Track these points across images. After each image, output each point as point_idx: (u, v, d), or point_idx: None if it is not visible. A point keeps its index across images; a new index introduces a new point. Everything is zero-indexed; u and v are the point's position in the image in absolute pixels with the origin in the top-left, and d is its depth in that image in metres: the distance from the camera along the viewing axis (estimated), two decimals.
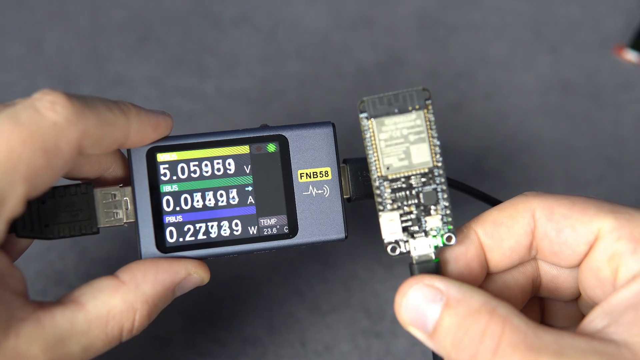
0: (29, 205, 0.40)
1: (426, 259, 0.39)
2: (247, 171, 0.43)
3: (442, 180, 0.39)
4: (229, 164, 0.42)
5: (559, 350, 0.34)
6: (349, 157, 0.44)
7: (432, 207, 0.39)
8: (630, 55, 0.59)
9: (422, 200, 0.39)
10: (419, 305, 0.37)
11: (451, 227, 0.39)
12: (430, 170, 0.39)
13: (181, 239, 0.42)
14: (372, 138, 0.39)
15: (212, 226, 0.42)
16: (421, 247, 0.39)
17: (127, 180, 0.43)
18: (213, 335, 0.51)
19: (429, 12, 0.61)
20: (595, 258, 0.38)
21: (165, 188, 0.42)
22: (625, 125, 0.58)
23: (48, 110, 0.36)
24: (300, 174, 0.43)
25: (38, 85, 0.58)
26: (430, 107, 0.39)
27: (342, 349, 0.51)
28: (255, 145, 0.43)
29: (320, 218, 0.42)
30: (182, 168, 0.42)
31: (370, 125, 0.39)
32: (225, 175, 0.42)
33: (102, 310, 0.38)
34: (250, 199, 0.42)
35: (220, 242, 0.42)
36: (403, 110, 0.39)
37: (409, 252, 0.39)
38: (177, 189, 0.42)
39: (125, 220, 0.42)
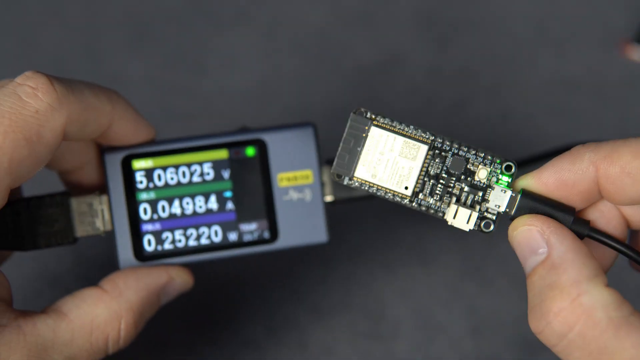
0: (4, 217, 0.40)
1: (512, 200, 0.36)
2: (226, 176, 0.42)
3: (448, 142, 0.37)
4: (207, 170, 0.42)
5: None
6: (332, 157, 0.42)
7: (469, 166, 0.36)
8: (636, 52, 0.59)
9: (455, 172, 0.36)
10: (523, 246, 0.35)
11: (499, 160, 0.36)
12: (432, 147, 0.36)
13: (159, 247, 0.42)
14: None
15: (190, 233, 0.42)
16: (497, 198, 0.36)
17: (103, 186, 0.42)
18: (211, 337, 0.51)
19: (430, 8, 0.61)
20: None
21: (142, 196, 0.42)
22: (631, 122, 0.58)
23: (30, 98, 0.35)
24: (280, 178, 0.42)
25: None
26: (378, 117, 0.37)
27: (341, 351, 0.51)
28: (233, 150, 0.42)
29: (301, 222, 0.42)
30: (159, 175, 0.42)
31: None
32: (204, 181, 0.42)
33: (85, 319, 0.38)
34: (230, 205, 0.42)
35: (200, 249, 0.42)
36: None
37: (498, 213, 0.37)
38: (154, 197, 0.42)
39: (102, 229, 0.42)
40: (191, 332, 0.51)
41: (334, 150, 0.37)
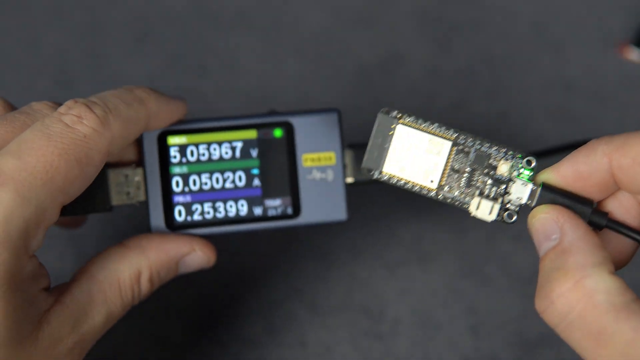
0: None
1: (533, 192, 0.38)
2: (254, 155, 0.45)
3: (471, 139, 0.39)
4: (237, 148, 0.45)
5: (630, 344, 0.32)
6: (354, 142, 0.45)
7: (491, 161, 0.39)
8: (634, 54, 0.58)
9: (478, 167, 0.39)
10: (539, 233, 0.37)
11: (520, 155, 0.39)
12: (456, 143, 0.39)
13: (189, 218, 0.44)
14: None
15: (219, 206, 0.44)
16: (519, 191, 0.39)
17: (138, 161, 0.45)
18: (213, 336, 0.52)
19: (430, 9, 0.60)
20: None
21: (175, 170, 0.44)
22: (629, 124, 0.58)
23: (76, 124, 0.38)
24: (305, 158, 0.45)
25: (36, 84, 0.58)
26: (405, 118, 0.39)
27: (342, 349, 0.51)
28: (262, 131, 0.45)
29: (323, 200, 0.44)
30: (192, 151, 0.44)
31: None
32: (233, 158, 0.45)
33: (112, 278, 0.41)
34: (257, 181, 0.45)
35: (227, 221, 0.44)
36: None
37: (520, 205, 0.39)
38: (186, 171, 0.44)
39: (136, 199, 0.44)
40: (191, 332, 0.51)
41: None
